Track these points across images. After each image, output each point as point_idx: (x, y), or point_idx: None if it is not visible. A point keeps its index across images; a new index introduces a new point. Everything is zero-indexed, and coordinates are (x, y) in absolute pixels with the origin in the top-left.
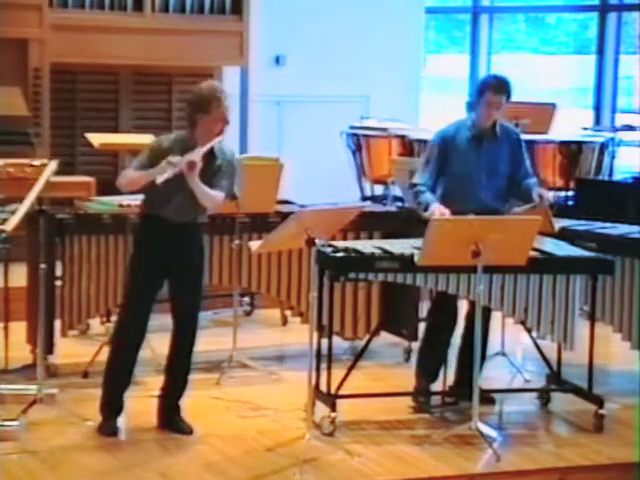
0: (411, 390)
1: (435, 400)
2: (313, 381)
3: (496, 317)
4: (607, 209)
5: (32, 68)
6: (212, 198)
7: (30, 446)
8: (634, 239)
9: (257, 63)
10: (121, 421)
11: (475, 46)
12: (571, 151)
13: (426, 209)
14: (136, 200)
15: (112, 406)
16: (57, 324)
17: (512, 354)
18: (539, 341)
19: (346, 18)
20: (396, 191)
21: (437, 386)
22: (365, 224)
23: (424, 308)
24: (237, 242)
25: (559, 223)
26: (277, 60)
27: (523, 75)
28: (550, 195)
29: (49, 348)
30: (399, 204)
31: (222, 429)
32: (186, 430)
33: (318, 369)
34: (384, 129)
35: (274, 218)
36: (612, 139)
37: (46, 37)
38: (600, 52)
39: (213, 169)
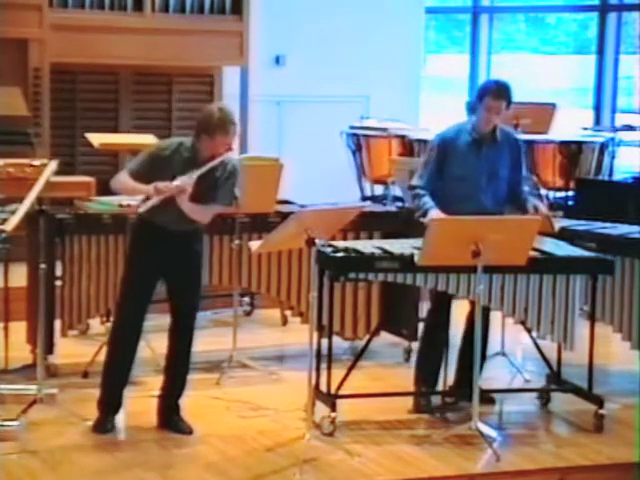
0: (411, 390)
1: (435, 400)
2: (313, 381)
3: (496, 317)
4: (607, 209)
5: (32, 68)
6: (205, 215)
7: (30, 446)
8: (634, 239)
9: (257, 63)
10: (120, 421)
11: (475, 46)
12: (571, 151)
13: (425, 214)
14: (136, 200)
15: (110, 404)
16: (57, 324)
17: (512, 354)
18: (539, 341)
19: (346, 18)
20: (396, 191)
21: (437, 386)
22: (365, 224)
23: (424, 308)
24: (237, 242)
25: (559, 223)
26: (277, 60)
27: (523, 75)
28: (544, 208)
29: (49, 348)
30: (399, 204)
31: (222, 429)
32: (186, 430)
33: (318, 369)
34: (384, 129)
35: (274, 218)
36: (612, 139)
37: (46, 37)
38: (600, 52)
39: (212, 182)
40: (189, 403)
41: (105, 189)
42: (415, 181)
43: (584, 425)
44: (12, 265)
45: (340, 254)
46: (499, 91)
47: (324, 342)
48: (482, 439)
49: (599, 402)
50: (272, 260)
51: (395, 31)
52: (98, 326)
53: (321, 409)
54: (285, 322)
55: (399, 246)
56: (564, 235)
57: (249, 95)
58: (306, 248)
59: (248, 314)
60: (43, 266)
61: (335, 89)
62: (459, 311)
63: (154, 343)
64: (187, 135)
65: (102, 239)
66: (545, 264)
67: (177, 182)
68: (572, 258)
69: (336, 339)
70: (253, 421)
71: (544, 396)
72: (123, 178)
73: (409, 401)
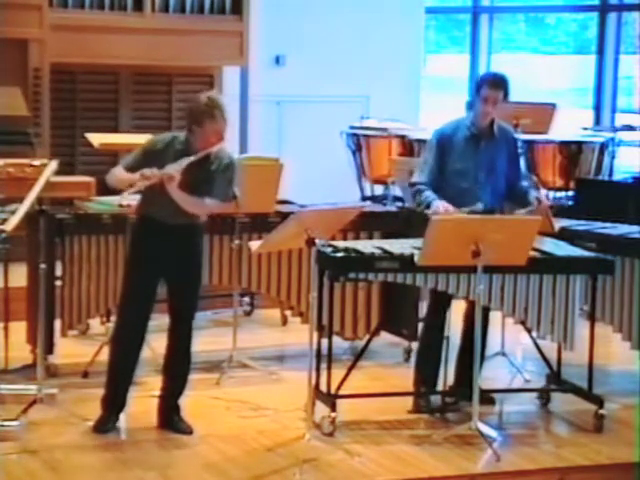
0: (411, 390)
1: (435, 400)
2: (313, 381)
3: (496, 317)
4: (607, 209)
5: (32, 68)
6: (199, 206)
7: (30, 446)
8: (634, 239)
9: (257, 63)
10: (121, 421)
11: (475, 46)
12: (571, 151)
13: (428, 207)
14: (136, 200)
15: (114, 403)
16: (57, 324)
17: (512, 354)
18: (539, 341)
19: (346, 18)
20: (396, 191)
21: (437, 386)
22: (365, 224)
23: (424, 308)
24: (237, 242)
25: (559, 223)
26: (277, 60)
27: (523, 75)
28: (544, 199)
29: (49, 348)
30: (399, 204)
31: (222, 429)
32: (186, 430)
33: (318, 369)
34: (384, 129)
35: (274, 218)
36: (612, 139)
37: (46, 37)
38: (600, 52)
39: (206, 174)
40: (189, 403)
41: (105, 189)
42: (416, 178)
43: (584, 425)
44: (12, 265)
45: (340, 254)
46: (496, 81)
47: (324, 342)
48: (482, 439)
49: (599, 402)
50: (272, 260)
51: (395, 31)
52: (98, 326)
53: (321, 409)
54: (285, 322)
55: (399, 246)
56: (564, 235)
57: (249, 95)
58: (306, 248)
59: (248, 314)
60: (43, 266)
61: (335, 89)
62: (457, 310)
63: (154, 343)
64: None
65: (102, 239)
66: (545, 264)
67: (165, 169)
68: (572, 258)
69: (336, 339)
70: (253, 421)
71: (544, 396)
72: (117, 171)
73: (409, 401)
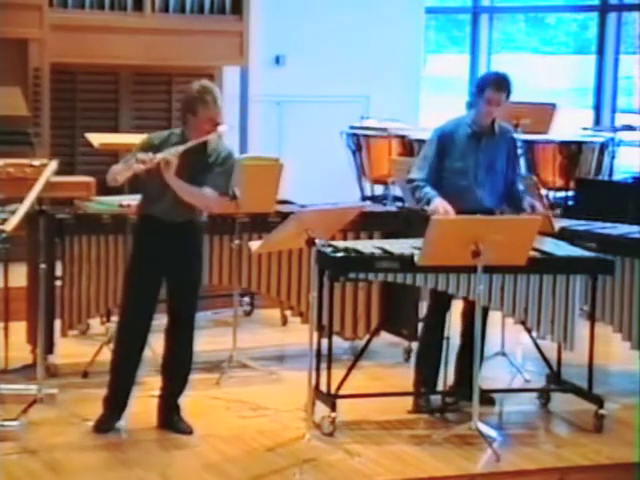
0: (411, 390)
1: (435, 400)
2: (313, 381)
3: (496, 317)
4: (607, 209)
5: (32, 68)
6: (197, 196)
7: (30, 446)
8: (634, 239)
9: (257, 63)
10: (121, 421)
11: (475, 46)
12: (571, 151)
13: (428, 203)
14: (136, 200)
15: (116, 402)
16: (57, 324)
17: (512, 354)
18: (539, 341)
19: (346, 18)
20: (396, 191)
21: (437, 386)
22: (365, 224)
23: (424, 308)
24: (237, 242)
25: (559, 223)
26: (277, 60)
27: (523, 75)
28: (541, 207)
29: (49, 348)
30: (399, 204)
31: (222, 429)
32: (186, 430)
33: (318, 369)
34: (384, 129)
35: (274, 218)
36: (612, 139)
37: (46, 37)
38: (600, 52)
39: (204, 166)
40: (189, 403)
41: (105, 189)
42: (414, 174)
43: (584, 425)
44: (12, 265)
45: (340, 254)
46: (499, 83)
47: (324, 342)
48: (482, 439)
49: (599, 402)
50: (272, 260)
51: (395, 31)
52: (98, 326)
53: (321, 409)
54: (285, 322)
55: (399, 246)
56: (564, 235)
57: (249, 95)
58: (306, 248)
59: (248, 314)
60: (43, 266)
61: (335, 89)
62: (457, 310)
63: (154, 343)
64: None
65: (102, 239)
66: (545, 264)
67: (160, 154)
68: (572, 258)
69: (336, 339)
70: (253, 421)
71: (544, 396)
72: (114, 167)
73: (409, 401)
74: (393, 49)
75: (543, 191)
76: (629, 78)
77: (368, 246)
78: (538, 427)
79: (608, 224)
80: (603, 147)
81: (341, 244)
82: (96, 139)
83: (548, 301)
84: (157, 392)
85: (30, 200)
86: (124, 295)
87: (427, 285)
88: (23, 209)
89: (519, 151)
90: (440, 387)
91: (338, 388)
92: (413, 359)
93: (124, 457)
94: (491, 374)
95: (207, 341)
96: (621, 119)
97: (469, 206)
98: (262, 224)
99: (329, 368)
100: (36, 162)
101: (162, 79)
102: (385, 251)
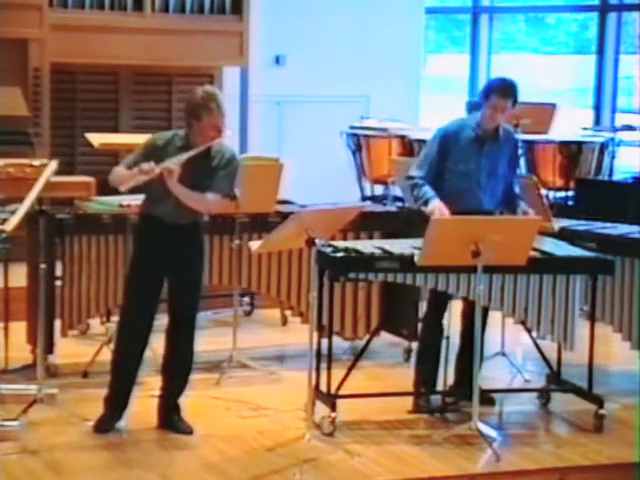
0: (411, 390)
1: (435, 400)
2: (313, 381)
3: (496, 317)
4: (607, 209)
5: (32, 68)
6: (200, 201)
7: (30, 446)
8: (634, 239)
9: (257, 63)
10: (121, 420)
11: (475, 46)
12: (571, 151)
13: (426, 203)
14: (136, 200)
15: (117, 402)
16: (57, 324)
17: (512, 354)
18: (539, 341)
19: (346, 18)
20: (396, 191)
21: (436, 386)
22: (365, 224)
23: (424, 308)
24: (237, 242)
25: (559, 223)
26: (277, 60)
27: (523, 75)
28: (532, 213)
29: (49, 348)
30: (399, 204)
31: (222, 429)
32: (186, 430)
33: (318, 369)
34: (384, 129)
35: (274, 218)
36: (612, 139)
37: (46, 37)
38: (600, 52)
39: (208, 170)
40: (189, 403)
41: (105, 189)
42: (414, 171)
43: (584, 425)
44: (12, 265)
45: (340, 254)
46: (506, 90)
47: (324, 342)
48: (482, 439)
49: (599, 402)
50: (272, 260)
51: (395, 31)
52: (98, 326)
53: (321, 409)
54: (285, 322)
55: (399, 246)
56: (564, 235)
57: (249, 95)
58: (306, 248)
59: (248, 314)
60: (43, 266)
61: (335, 89)
62: (457, 310)
63: (155, 343)
64: None
65: (102, 239)
66: (545, 264)
67: (163, 164)
68: (572, 258)
69: (336, 339)
70: (253, 421)
71: (544, 396)
72: (118, 170)
73: (409, 401)
74: (393, 49)
75: (543, 191)
76: (629, 78)
77: (368, 246)
78: (538, 427)
79: (608, 224)
80: (603, 147)
81: (341, 244)
82: (96, 139)
83: (548, 301)
84: (157, 392)
85: (30, 200)
86: (125, 295)
87: (427, 285)
88: (23, 209)
89: (519, 152)
90: (440, 387)
91: (338, 388)
92: (413, 359)
93: (124, 457)
94: (491, 374)
95: (207, 341)
96: (621, 119)
97: (469, 207)
98: (262, 224)
99: (329, 368)
100: (36, 162)
101: (162, 79)
102: (385, 251)
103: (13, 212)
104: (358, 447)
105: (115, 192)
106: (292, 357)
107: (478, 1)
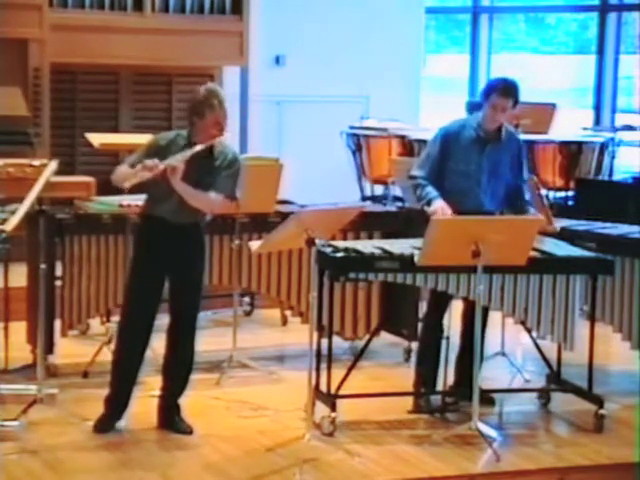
0: (411, 390)
1: (435, 400)
2: (313, 381)
3: (496, 317)
4: (607, 209)
5: (32, 68)
6: (203, 200)
7: (30, 446)
8: (634, 239)
9: (257, 63)
10: (121, 420)
11: (475, 46)
12: (571, 151)
13: (429, 203)
14: (136, 200)
15: (117, 402)
16: (57, 324)
17: (512, 354)
18: (539, 341)
19: (346, 18)
20: (396, 191)
21: (436, 386)
22: (365, 224)
23: (424, 308)
24: (237, 242)
25: (559, 223)
26: (277, 60)
27: (523, 75)
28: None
29: (49, 348)
30: (399, 204)
31: (222, 429)
32: (186, 430)
33: (318, 369)
34: (384, 129)
35: (274, 218)
36: (612, 139)
37: (46, 37)
38: (600, 52)
39: (210, 169)
40: (189, 403)
41: (105, 189)
42: (416, 171)
43: (584, 425)
44: (12, 265)
45: (340, 254)
46: (506, 89)
47: (324, 342)
48: (482, 439)
49: (599, 402)
50: (272, 260)
51: (395, 31)
52: (98, 326)
53: (321, 409)
54: (285, 322)
55: (399, 246)
56: (564, 235)
57: (249, 95)
58: (306, 248)
59: (248, 314)
60: (43, 266)
61: (335, 89)
62: (457, 310)
63: (155, 343)
64: None
65: (102, 239)
66: (545, 264)
67: (167, 161)
68: (572, 258)
69: (336, 339)
70: (253, 421)
71: (544, 396)
72: (121, 168)
73: (409, 401)
74: (393, 49)
75: (543, 191)
76: (629, 78)
77: (368, 246)
78: (538, 427)
79: (608, 224)
80: (603, 147)
81: (341, 244)
82: (96, 139)
83: (548, 301)
84: (157, 392)
85: (30, 200)
86: (126, 295)
87: (427, 285)
88: (23, 209)
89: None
90: (440, 387)
91: (338, 388)
92: (413, 359)
93: (125, 457)
94: (491, 374)
95: (207, 341)
96: (621, 119)
97: (470, 207)
98: (262, 224)
99: (329, 368)
100: (36, 162)
101: (162, 79)
102: (385, 251)
103: (13, 212)
104: (358, 447)
105: (115, 192)
106: (292, 357)
107: (478, 1)
